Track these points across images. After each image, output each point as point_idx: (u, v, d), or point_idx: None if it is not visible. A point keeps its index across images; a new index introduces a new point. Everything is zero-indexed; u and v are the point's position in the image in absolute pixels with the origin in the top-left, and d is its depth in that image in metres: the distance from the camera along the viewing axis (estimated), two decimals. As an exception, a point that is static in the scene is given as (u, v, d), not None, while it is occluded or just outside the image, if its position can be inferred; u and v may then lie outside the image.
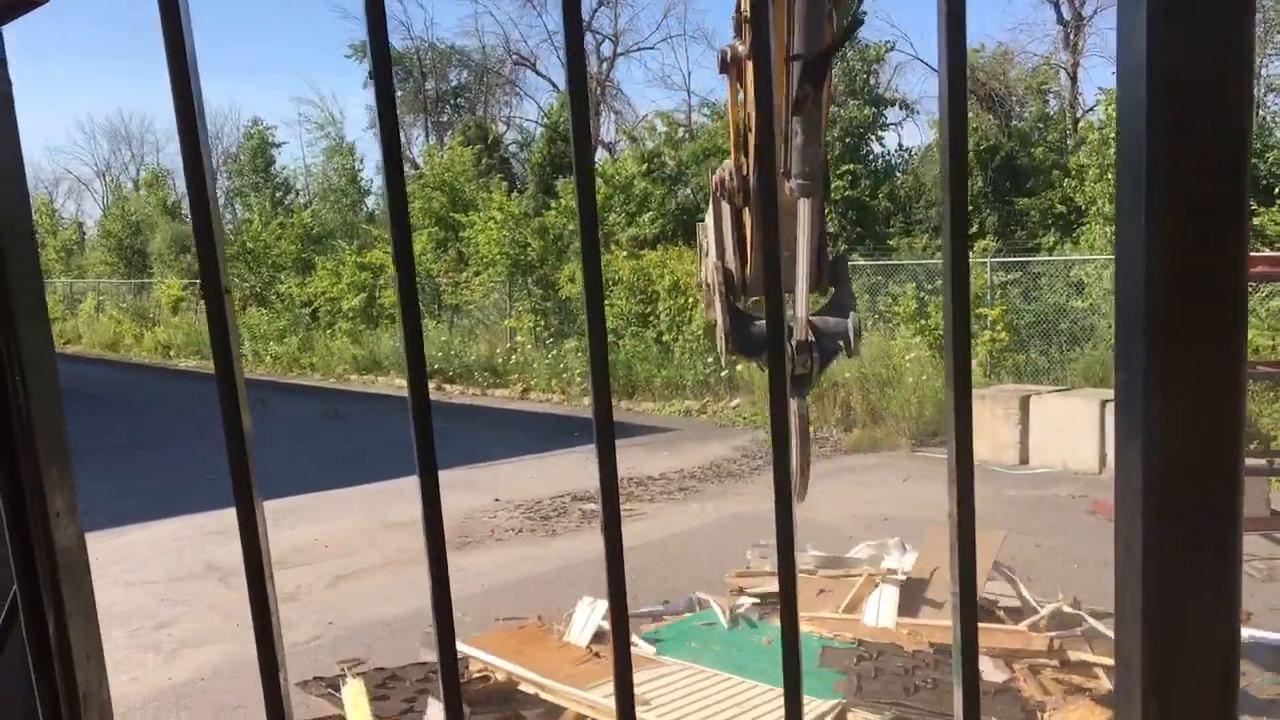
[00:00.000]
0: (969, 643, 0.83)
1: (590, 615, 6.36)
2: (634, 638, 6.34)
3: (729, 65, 4.97)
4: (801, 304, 4.91)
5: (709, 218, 5.51)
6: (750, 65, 4.73)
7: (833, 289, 5.21)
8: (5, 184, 1.07)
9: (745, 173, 5.13)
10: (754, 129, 4.57)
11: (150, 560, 9.43)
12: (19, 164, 1.11)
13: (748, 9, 4.79)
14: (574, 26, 0.89)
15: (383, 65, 0.84)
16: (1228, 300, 0.71)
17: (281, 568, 9.11)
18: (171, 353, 31.33)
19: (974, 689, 0.86)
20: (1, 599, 0.88)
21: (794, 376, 5.02)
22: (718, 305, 5.15)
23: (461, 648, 6.20)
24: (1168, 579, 0.73)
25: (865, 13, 22.79)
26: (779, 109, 4.65)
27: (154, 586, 8.72)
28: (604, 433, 0.91)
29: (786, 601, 0.96)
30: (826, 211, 5.11)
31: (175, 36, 0.83)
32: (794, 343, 4.95)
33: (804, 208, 4.70)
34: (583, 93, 0.90)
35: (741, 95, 5.16)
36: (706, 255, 5.51)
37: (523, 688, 5.77)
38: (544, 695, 5.64)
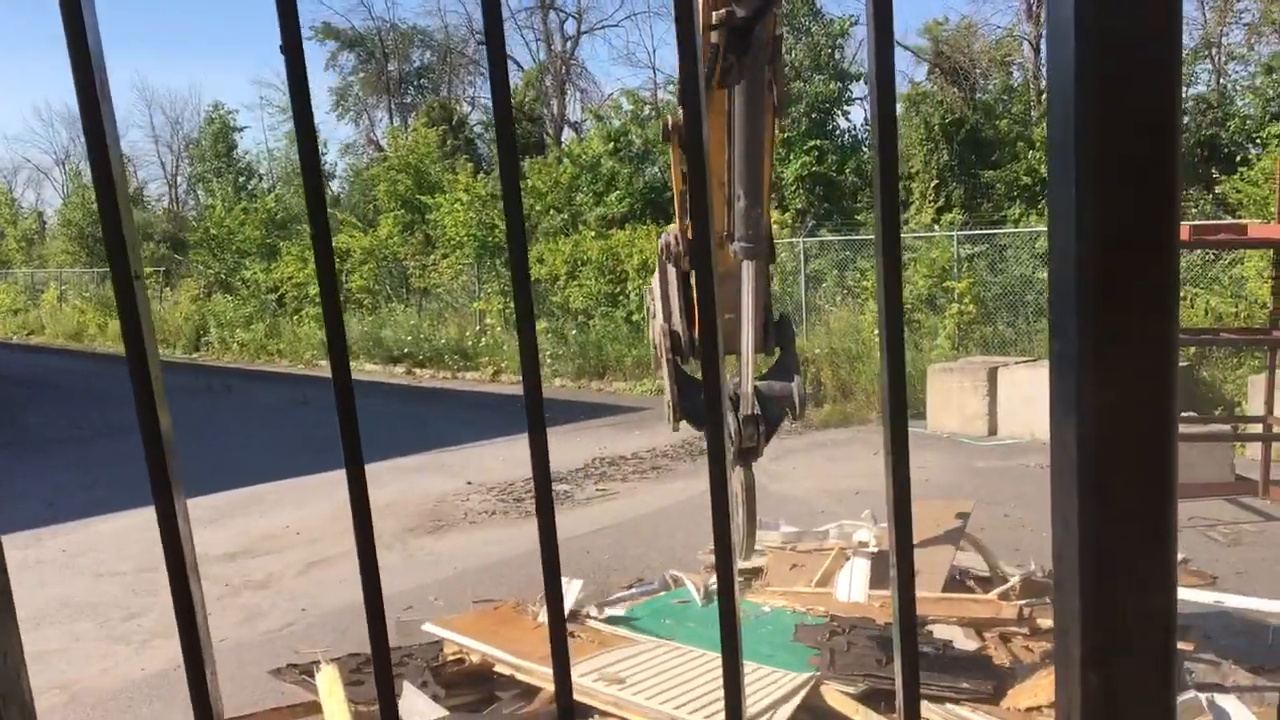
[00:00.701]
0: (906, 605, 0.83)
1: (564, 595, 6.37)
2: (601, 621, 6.37)
3: (671, 133, 5.06)
4: (747, 371, 4.96)
5: (655, 281, 5.54)
6: None
7: (779, 349, 5.27)
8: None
9: (690, 237, 5.10)
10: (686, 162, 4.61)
11: (119, 551, 9.35)
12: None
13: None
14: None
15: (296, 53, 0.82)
16: (1160, 268, 0.70)
17: (252, 556, 9.06)
18: (137, 342, 31.01)
19: (913, 658, 0.85)
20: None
21: (741, 450, 5.10)
22: (664, 371, 5.25)
23: (436, 630, 6.19)
24: (1103, 550, 0.72)
25: (850, 20, 22.78)
26: (721, 172, 4.67)
27: (123, 577, 8.64)
28: (534, 408, 0.90)
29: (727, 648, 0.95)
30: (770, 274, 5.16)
31: (75, 21, 0.80)
32: (740, 416, 4.99)
33: (748, 271, 4.76)
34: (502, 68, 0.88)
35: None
36: (654, 317, 5.54)
37: (498, 669, 5.77)
38: (520, 676, 5.64)
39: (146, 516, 7.88)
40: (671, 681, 5.32)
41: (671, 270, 5.37)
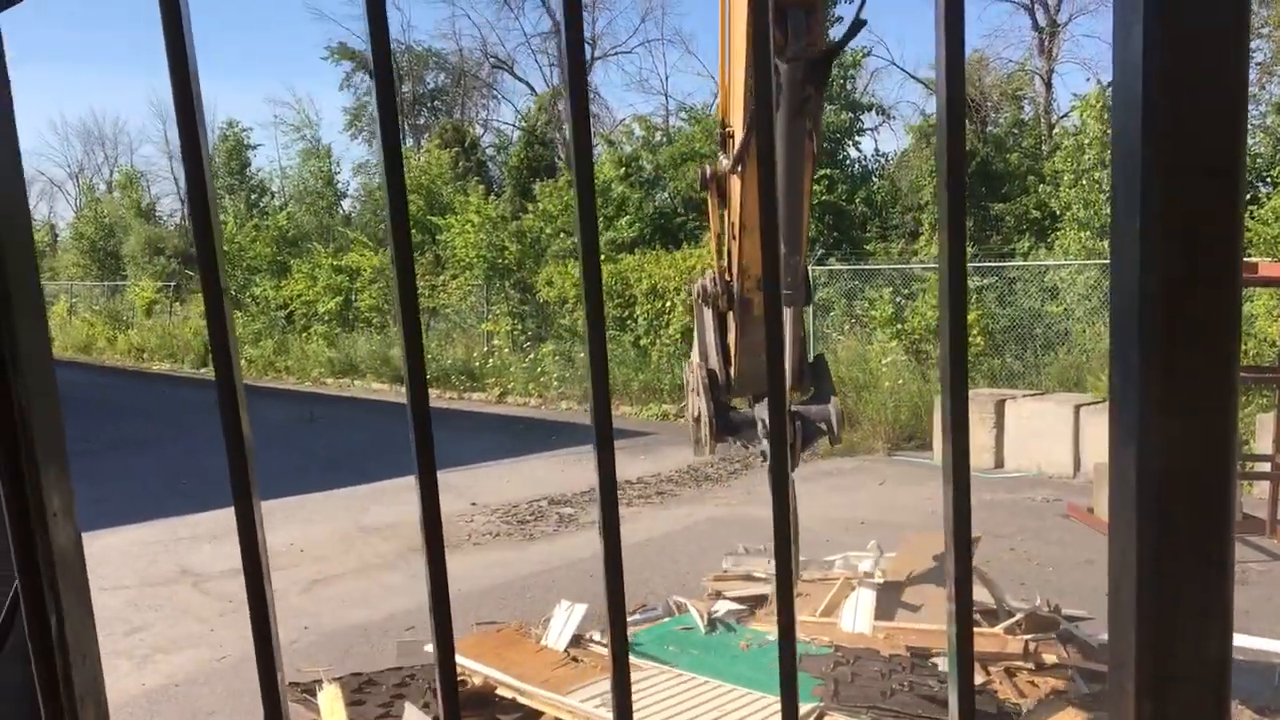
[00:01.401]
0: (964, 639, 0.84)
1: (568, 619, 6.36)
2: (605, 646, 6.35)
3: (709, 181, 5.33)
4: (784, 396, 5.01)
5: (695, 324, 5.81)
6: (731, 179, 5.12)
7: (813, 388, 5.50)
8: (3, 179, 1.06)
9: (728, 279, 5.38)
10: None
11: (123, 565, 9.35)
12: (17, 159, 1.10)
13: (731, 125, 5.11)
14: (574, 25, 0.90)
15: (385, 69, 0.84)
16: (1222, 306, 0.71)
17: (257, 572, 9.06)
18: (145, 355, 31.11)
19: (969, 688, 0.86)
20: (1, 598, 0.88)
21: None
22: (701, 400, 5.43)
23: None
24: (1162, 582, 0.73)
25: (865, 20, 22.92)
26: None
27: (126, 591, 8.64)
28: (603, 435, 0.91)
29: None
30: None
31: (176, 37, 0.83)
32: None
33: (786, 316, 4.78)
34: (582, 90, 0.91)
35: (723, 209, 5.41)
36: (691, 358, 5.81)
37: (500, 692, 5.75)
38: (522, 700, 5.62)
39: (151, 531, 7.96)
40: (673, 707, 5.31)
41: (708, 313, 5.56)
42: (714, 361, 5.54)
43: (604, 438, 0.92)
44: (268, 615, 0.86)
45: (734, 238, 5.19)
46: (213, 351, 0.82)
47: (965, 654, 0.85)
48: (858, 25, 4.48)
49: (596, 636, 6.44)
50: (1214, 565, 0.74)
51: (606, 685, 5.52)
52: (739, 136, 4.86)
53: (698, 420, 5.53)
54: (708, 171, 5.35)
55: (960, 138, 0.83)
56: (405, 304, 0.87)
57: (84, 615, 0.81)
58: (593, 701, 5.30)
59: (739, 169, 4.91)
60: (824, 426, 5.25)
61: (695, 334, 5.79)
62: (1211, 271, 0.71)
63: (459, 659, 5.98)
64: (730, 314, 5.51)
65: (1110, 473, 0.76)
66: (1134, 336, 0.72)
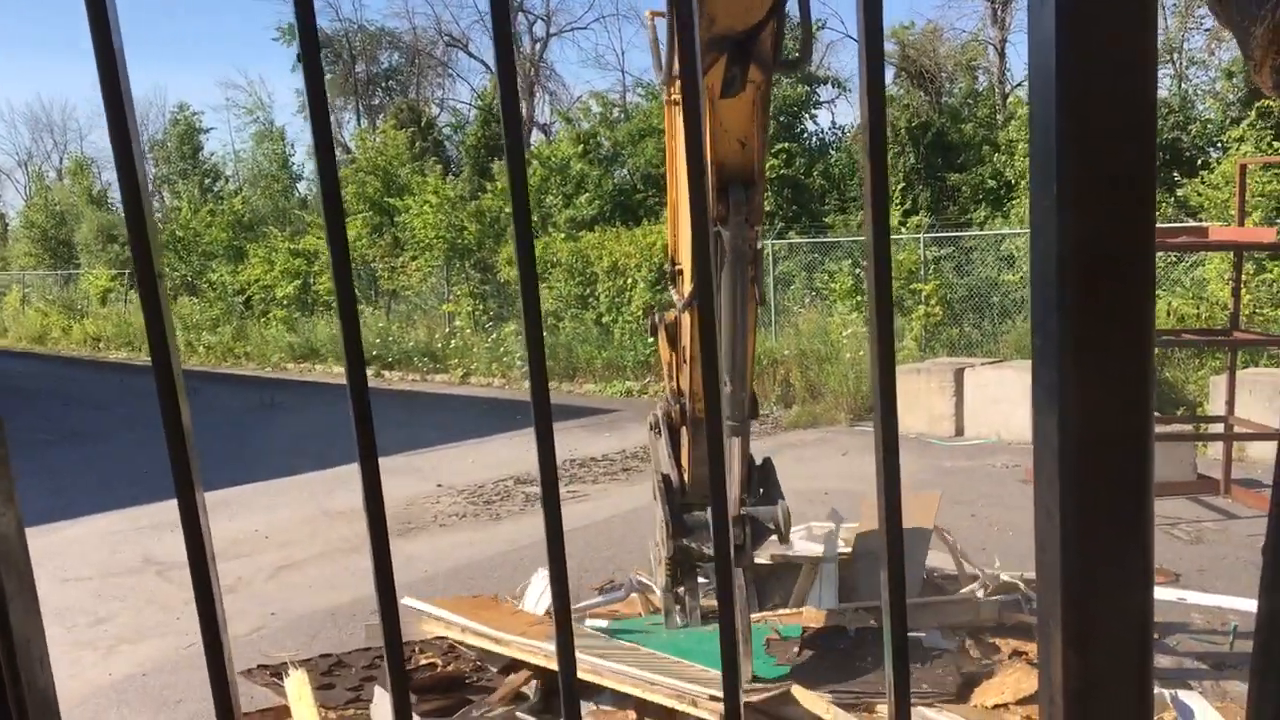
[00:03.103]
0: (897, 604, 0.86)
1: (545, 586, 6.40)
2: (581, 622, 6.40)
3: (657, 329, 6.20)
4: (733, 502, 5.67)
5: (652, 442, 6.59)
6: (681, 317, 5.87)
7: (762, 490, 6.00)
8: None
9: (681, 398, 6.14)
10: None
11: (85, 555, 9.27)
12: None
13: (680, 261, 5.84)
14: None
15: (312, 50, 0.84)
16: (1136, 271, 0.74)
17: (221, 560, 8.93)
18: (101, 344, 30.71)
19: (903, 651, 0.89)
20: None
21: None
22: (658, 509, 5.97)
23: (415, 604, 6.17)
24: (1085, 541, 0.76)
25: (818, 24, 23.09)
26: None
27: (90, 582, 8.57)
28: (542, 412, 0.93)
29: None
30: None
31: (102, 23, 0.82)
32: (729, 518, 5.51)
33: (734, 445, 5.53)
34: (510, 69, 0.91)
35: (672, 349, 6.23)
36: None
37: (474, 642, 5.76)
38: (498, 649, 5.63)
39: (112, 521, 7.87)
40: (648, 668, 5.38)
41: (662, 439, 6.26)
42: (669, 469, 6.12)
43: (543, 415, 0.93)
44: (215, 610, 0.87)
45: (684, 362, 5.95)
46: (150, 340, 0.83)
47: (898, 612, 0.87)
48: (810, 36, 5.16)
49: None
50: (1133, 524, 0.76)
51: (584, 642, 5.58)
52: (688, 273, 5.57)
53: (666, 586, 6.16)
54: (656, 319, 6.23)
55: (881, 109, 0.85)
56: (340, 284, 0.87)
57: (28, 602, 0.82)
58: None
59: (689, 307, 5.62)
60: (773, 526, 5.65)
61: (652, 456, 6.47)
62: (1126, 238, 0.73)
63: (436, 610, 6.02)
64: (684, 428, 6.18)
65: (1034, 438, 0.79)
66: (1052, 306, 0.74)
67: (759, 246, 5.33)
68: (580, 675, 5.19)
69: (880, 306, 0.86)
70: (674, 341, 6.16)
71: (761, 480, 6.12)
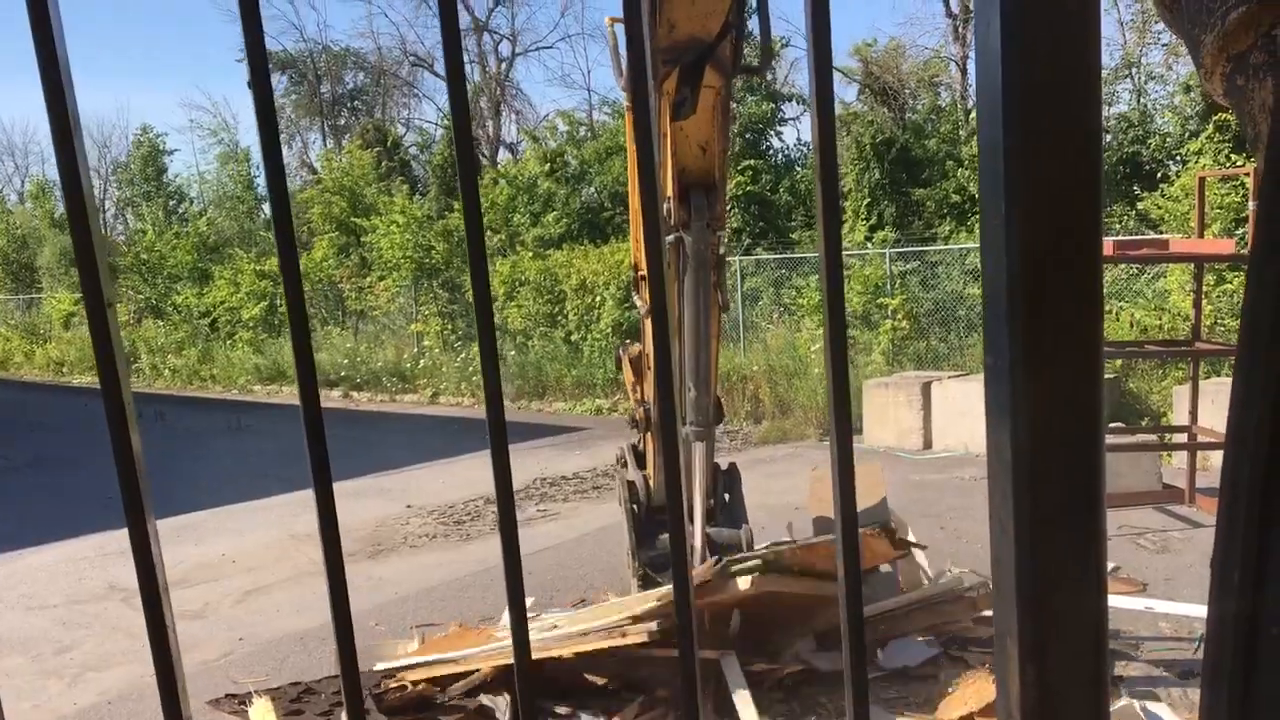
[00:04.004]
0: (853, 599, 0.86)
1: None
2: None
3: (622, 362, 6.50)
4: (699, 528, 5.75)
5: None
6: (645, 321, 6.05)
7: (728, 495, 6.17)
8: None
9: (647, 406, 6.29)
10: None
11: (49, 583, 9.13)
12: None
13: (643, 268, 5.93)
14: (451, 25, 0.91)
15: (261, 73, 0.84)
16: (1084, 287, 0.75)
17: (188, 585, 8.89)
18: (65, 369, 30.33)
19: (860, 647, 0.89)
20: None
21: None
22: (625, 524, 6.15)
23: (385, 666, 6.10)
24: (1037, 554, 0.77)
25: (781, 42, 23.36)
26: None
27: (54, 610, 8.44)
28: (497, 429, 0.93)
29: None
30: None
31: (48, 45, 0.82)
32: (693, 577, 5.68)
33: (698, 450, 5.59)
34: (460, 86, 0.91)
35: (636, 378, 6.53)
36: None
37: (443, 671, 5.72)
38: (467, 665, 5.59)
39: (76, 548, 7.76)
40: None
41: (621, 487, 6.44)
42: (636, 475, 6.30)
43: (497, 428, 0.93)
44: (168, 639, 0.86)
45: (648, 368, 6.05)
46: (99, 367, 0.82)
47: (854, 612, 0.87)
48: (768, 56, 5.34)
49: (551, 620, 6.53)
50: (1086, 535, 0.77)
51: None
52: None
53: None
54: (620, 352, 6.54)
55: (830, 121, 0.86)
56: (293, 306, 0.87)
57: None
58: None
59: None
60: (735, 552, 5.75)
61: (618, 486, 6.65)
62: (1073, 254, 0.74)
63: (410, 660, 5.96)
64: (649, 434, 6.28)
65: (988, 451, 0.79)
66: (1002, 321, 0.75)
67: (721, 252, 5.36)
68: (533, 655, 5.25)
69: (833, 318, 0.87)
70: (638, 371, 6.33)
71: (727, 485, 6.24)
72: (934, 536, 8.65)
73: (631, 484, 6.21)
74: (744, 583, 5.23)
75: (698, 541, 5.82)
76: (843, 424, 0.87)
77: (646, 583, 6.17)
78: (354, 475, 12.87)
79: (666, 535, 5.82)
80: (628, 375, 6.51)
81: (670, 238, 4.98)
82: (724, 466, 6.44)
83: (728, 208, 21.95)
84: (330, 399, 21.70)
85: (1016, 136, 0.73)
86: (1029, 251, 0.74)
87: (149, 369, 27.20)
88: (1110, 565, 7.43)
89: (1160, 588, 7.36)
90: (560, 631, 5.27)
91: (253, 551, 9.90)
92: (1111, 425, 11.15)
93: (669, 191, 4.85)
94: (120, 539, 10.04)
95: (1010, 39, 0.72)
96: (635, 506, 6.22)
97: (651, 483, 6.25)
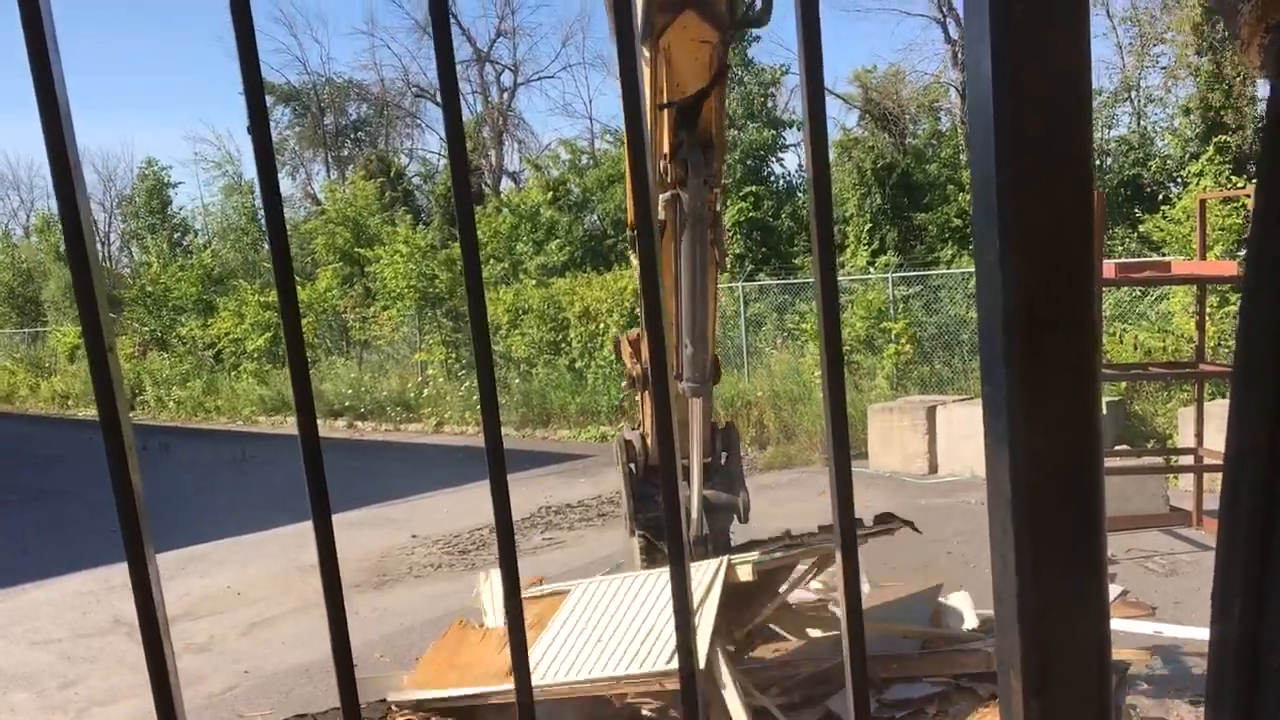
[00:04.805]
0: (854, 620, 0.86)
1: (497, 590, 6.36)
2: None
3: (624, 341, 6.36)
4: (696, 485, 5.76)
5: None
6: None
7: (725, 455, 6.11)
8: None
9: (644, 366, 6.17)
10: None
11: (54, 617, 9.11)
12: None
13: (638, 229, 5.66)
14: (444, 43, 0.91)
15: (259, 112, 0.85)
16: (1078, 319, 0.75)
17: (193, 618, 8.88)
18: (70, 402, 30.38)
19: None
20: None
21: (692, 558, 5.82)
22: (623, 486, 6.08)
23: (402, 696, 6.07)
24: (1039, 589, 0.77)
25: (781, 69, 23.63)
26: (670, 316, 5.37)
27: (59, 645, 8.42)
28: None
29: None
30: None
31: (46, 83, 0.83)
32: (690, 536, 5.71)
33: (695, 406, 5.55)
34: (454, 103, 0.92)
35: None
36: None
37: (462, 705, 5.67)
38: (495, 701, 5.54)
39: (82, 581, 7.76)
40: (616, 621, 5.37)
41: (619, 449, 6.33)
42: (634, 436, 6.29)
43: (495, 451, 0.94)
44: (168, 677, 0.86)
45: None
46: (99, 406, 0.82)
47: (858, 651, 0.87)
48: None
49: (533, 592, 6.53)
50: (1088, 566, 0.77)
51: (558, 632, 5.53)
52: None
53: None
54: (619, 340, 6.43)
55: (823, 141, 0.86)
56: (290, 335, 0.88)
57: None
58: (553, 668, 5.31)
59: None
60: (735, 516, 5.85)
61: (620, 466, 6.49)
62: (1067, 288, 0.75)
63: (423, 693, 5.93)
64: (646, 393, 6.23)
65: (988, 483, 0.79)
66: (999, 356, 0.75)
67: (719, 209, 5.27)
68: (552, 695, 5.20)
69: (829, 340, 0.87)
70: (638, 352, 6.23)
71: (724, 445, 6.14)
72: (941, 562, 8.62)
73: (629, 443, 6.14)
74: (745, 573, 5.23)
75: (694, 503, 5.77)
76: (839, 430, 0.88)
77: (646, 547, 6.13)
78: (358, 505, 12.86)
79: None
80: (626, 354, 6.37)
81: (666, 195, 4.90)
82: (721, 426, 6.33)
83: (730, 233, 21.94)
84: (334, 429, 21.72)
85: (1009, 174, 0.74)
86: (1023, 286, 0.74)
87: (154, 401, 27.24)
88: (1119, 589, 7.40)
89: (1169, 611, 7.32)
90: (578, 677, 5.22)
91: (258, 583, 9.88)
92: (1117, 448, 11.13)
93: (664, 149, 4.75)
94: (124, 572, 10.03)
95: (1001, 68, 0.73)
96: (633, 466, 6.14)
97: (649, 440, 6.16)
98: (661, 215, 4.98)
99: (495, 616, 6.31)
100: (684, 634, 0.98)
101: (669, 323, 5.33)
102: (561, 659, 5.28)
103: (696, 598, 5.17)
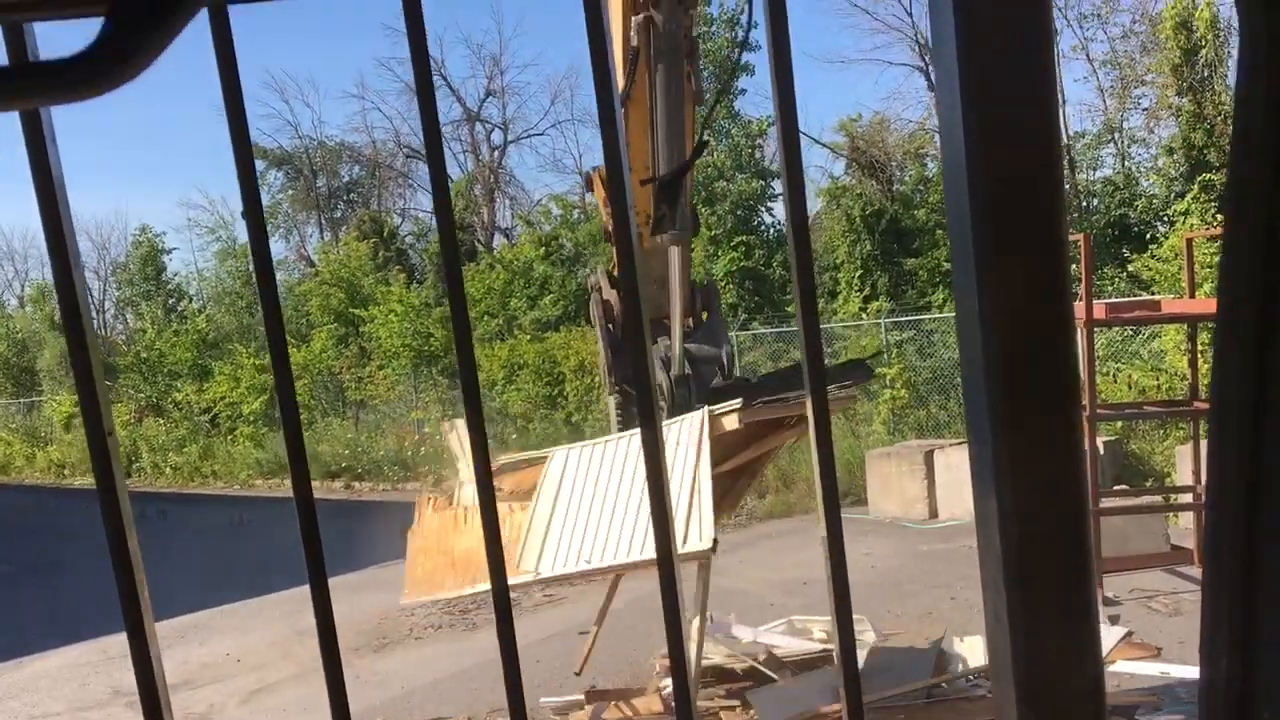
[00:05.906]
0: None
1: (463, 436, 6.41)
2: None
3: (595, 177, 6.13)
4: (676, 333, 5.64)
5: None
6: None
7: (706, 313, 6.00)
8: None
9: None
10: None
11: (52, 690, 9.02)
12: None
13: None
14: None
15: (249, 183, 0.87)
16: (1059, 370, 0.76)
17: (193, 687, 8.78)
18: (66, 471, 30.26)
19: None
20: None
21: (673, 406, 5.70)
22: (600, 340, 6.05)
23: (406, 602, 6.13)
24: (1032, 642, 0.77)
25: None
26: (645, 157, 5.17)
27: (59, 718, 8.33)
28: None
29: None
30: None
31: (40, 156, 0.85)
32: (672, 376, 5.66)
33: (675, 253, 5.39)
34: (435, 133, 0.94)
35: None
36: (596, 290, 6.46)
37: None
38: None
39: (80, 652, 7.69)
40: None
41: (597, 306, 6.28)
42: (610, 294, 6.15)
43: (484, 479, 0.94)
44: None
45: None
46: (98, 484, 0.83)
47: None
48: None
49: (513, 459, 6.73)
50: (1079, 619, 0.78)
51: (551, 512, 5.67)
52: (621, 84, 5.12)
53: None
54: (590, 174, 6.26)
55: (800, 186, 0.88)
56: (284, 397, 0.89)
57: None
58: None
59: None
60: (717, 369, 5.73)
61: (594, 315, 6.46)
62: (1047, 341, 0.76)
63: (432, 597, 5.97)
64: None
65: (978, 539, 0.80)
66: (982, 406, 0.77)
67: (695, 35, 5.02)
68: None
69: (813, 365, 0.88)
70: (608, 312, 6.17)
71: (705, 304, 6.07)
72: (944, 607, 8.57)
73: (607, 303, 6.09)
74: (731, 422, 5.21)
75: (675, 349, 5.69)
76: (823, 447, 0.88)
77: (624, 398, 6.08)
78: (357, 568, 12.77)
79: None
80: (599, 193, 6.15)
81: (638, 18, 4.63)
82: (701, 284, 6.27)
83: (722, 282, 21.96)
84: (332, 490, 21.61)
85: (983, 224, 0.75)
86: (1003, 343, 0.75)
87: (150, 468, 27.13)
88: (1124, 630, 7.35)
89: (1174, 651, 7.27)
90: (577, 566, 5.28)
91: (257, 649, 9.79)
92: (1116, 487, 11.11)
93: None
94: (122, 643, 9.94)
95: (973, 136, 0.75)
96: (611, 325, 6.11)
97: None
98: (634, 41, 4.71)
99: (469, 467, 6.32)
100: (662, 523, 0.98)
101: (639, 164, 5.09)
102: (566, 544, 5.30)
103: (681, 457, 5.14)
